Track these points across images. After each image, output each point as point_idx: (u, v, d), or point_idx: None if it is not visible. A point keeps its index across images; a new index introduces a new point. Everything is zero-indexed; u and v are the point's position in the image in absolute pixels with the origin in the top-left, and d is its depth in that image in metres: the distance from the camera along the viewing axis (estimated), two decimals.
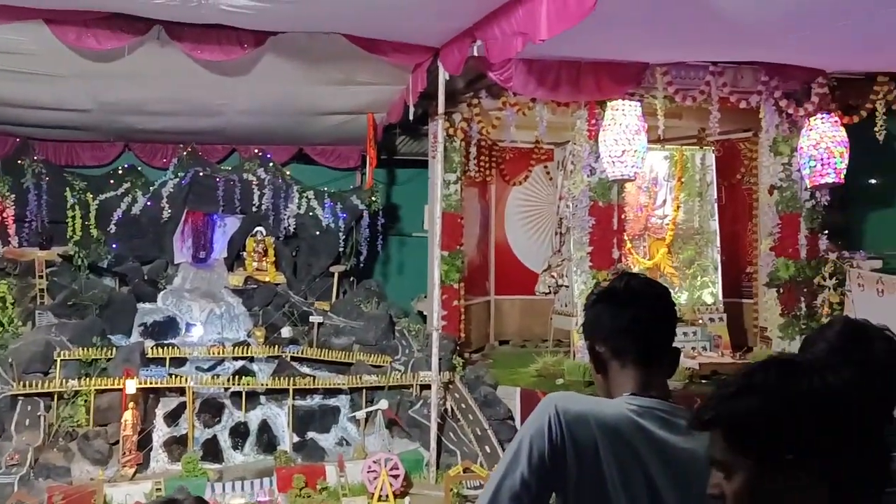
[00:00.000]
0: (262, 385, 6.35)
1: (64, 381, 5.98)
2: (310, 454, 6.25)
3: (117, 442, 5.79)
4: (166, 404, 6.24)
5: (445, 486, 5.51)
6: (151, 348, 6.39)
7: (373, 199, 8.14)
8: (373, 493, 5.52)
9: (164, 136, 8.25)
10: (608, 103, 6.45)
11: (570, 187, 7.14)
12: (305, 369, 6.64)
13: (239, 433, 6.24)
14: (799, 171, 6.79)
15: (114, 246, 7.39)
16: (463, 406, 6.49)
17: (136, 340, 6.62)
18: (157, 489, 5.44)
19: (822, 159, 6.50)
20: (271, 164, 7.92)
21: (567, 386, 6.34)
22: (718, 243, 7.91)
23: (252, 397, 6.36)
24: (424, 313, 7.94)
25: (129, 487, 5.50)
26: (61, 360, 6.13)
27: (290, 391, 6.30)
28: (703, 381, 6.55)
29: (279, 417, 6.37)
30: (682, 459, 1.64)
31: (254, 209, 7.69)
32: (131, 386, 5.79)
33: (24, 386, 5.85)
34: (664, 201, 7.87)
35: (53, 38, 5.44)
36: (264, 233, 7.67)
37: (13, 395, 5.87)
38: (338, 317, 7.25)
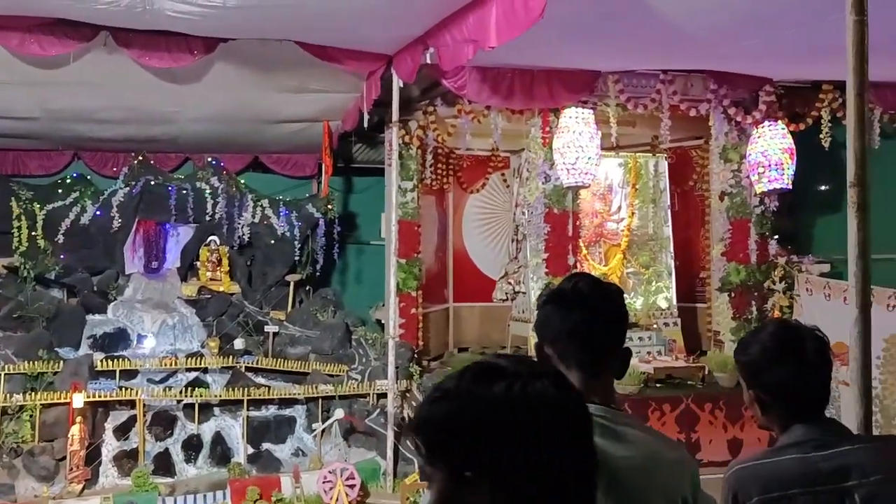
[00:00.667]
0: (216, 396, 6.25)
1: (8, 395, 5.81)
2: (265, 466, 6.17)
3: (64, 458, 5.64)
4: (116, 418, 6.11)
5: (402, 495, 5.47)
6: (101, 361, 6.25)
7: (329, 207, 8.10)
8: None
9: (115, 144, 8.11)
10: (561, 111, 6.51)
11: (525, 194, 7.19)
12: (261, 380, 6.56)
13: (192, 446, 6.13)
14: (748, 177, 6.92)
15: (62, 256, 7.22)
16: None
17: (84, 353, 6.47)
18: None
19: (769, 166, 6.64)
20: (225, 173, 7.83)
21: None
22: (672, 249, 8.03)
23: (205, 409, 6.26)
24: (382, 322, 7.90)
25: None
26: (6, 374, 5.96)
27: (245, 402, 6.21)
28: (658, 385, 6.63)
29: (233, 429, 6.27)
30: (622, 468, 1.62)
31: (207, 218, 7.59)
32: (78, 400, 5.65)
33: None
34: (619, 208, 7.97)
35: None
36: (218, 242, 7.58)
37: None
38: (293, 326, 7.18)
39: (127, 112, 7.19)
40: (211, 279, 7.46)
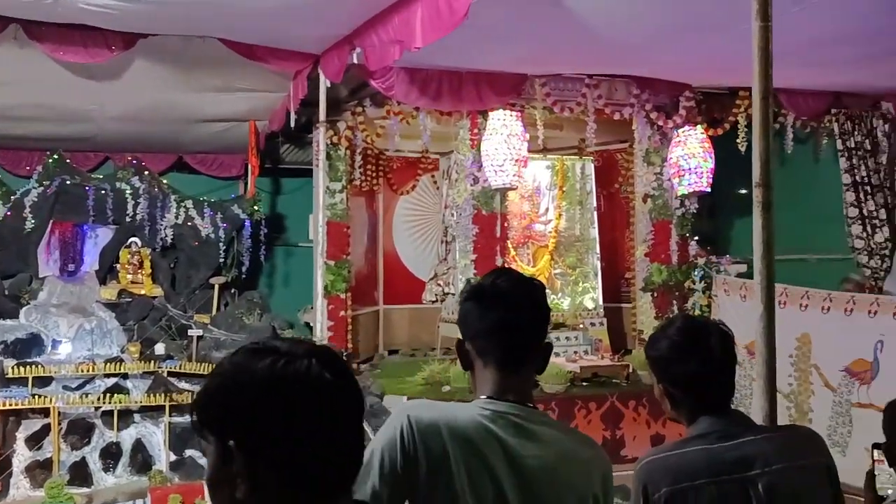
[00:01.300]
0: (136, 402, 6.05)
1: None
2: (188, 473, 5.99)
3: None
4: (28, 427, 5.85)
5: None
6: (12, 368, 5.97)
7: (255, 208, 7.95)
8: None
9: (29, 142, 7.79)
10: (489, 113, 6.57)
11: (454, 196, 7.22)
12: (184, 384, 6.38)
13: (110, 454, 5.91)
14: (669, 180, 7.12)
15: None
16: None
17: None
18: None
19: (689, 169, 6.85)
20: (147, 173, 7.60)
21: (453, 393, 6.37)
22: (598, 250, 8.19)
23: (125, 416, 6.06)
24: (311, 324, 7.81)
25: None
26: None
27: (167, 408, 6.03)
28: (584, 384, 6.74)
29: (155, 436, 6.09)
30: (533, 467, 1.64)
31: (128, 219, 7.35)
32: None
33: None
34: (546, 210, 8.08)
35: None
36: (140, 244, 7.35)
37: None
38: (218, 330, 7.02)
39: (41, 109, 6.91)
40: (132, 282, 7.23)
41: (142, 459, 5.95)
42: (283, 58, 5.81)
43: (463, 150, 6.94)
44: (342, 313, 7.37)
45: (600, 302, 8.06)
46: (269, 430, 1.04)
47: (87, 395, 6.03)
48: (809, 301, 6.58)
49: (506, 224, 7.21)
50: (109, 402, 5.93)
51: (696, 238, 7.42)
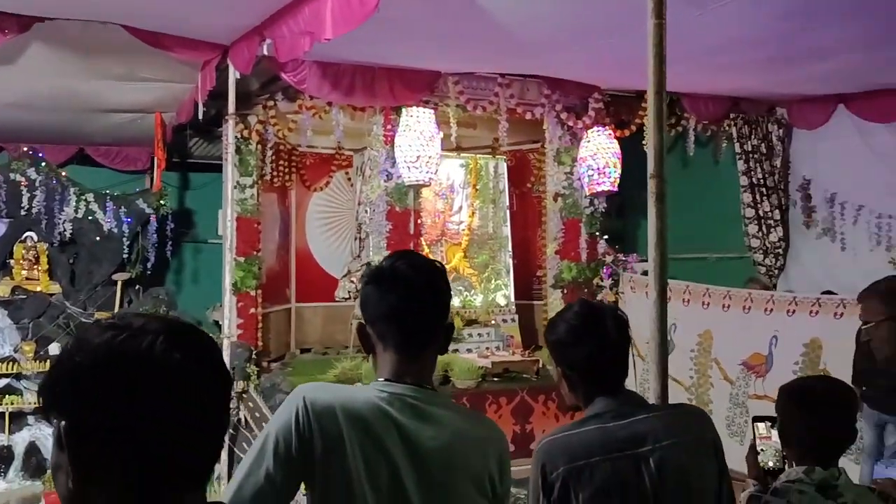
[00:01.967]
0: (30, 404, 5.78)
1: None
2: None
3: None
4: None
5: None
6: None
7: (161, 202, 7.70)
8: None
9: None
10: (403, 109, 6.57)
11: (367, 192, 7.19)
12: None
13: (2, 458, 5.66)
14: (579, 179, 7.29)
15: None
16: (257, 415, 6.29)
17: None
18: None
19: (598, 169, 7.03)
20: (44, 164, 7.26)
21: None
22: (511, 248, 8.31)
23: (18, 418, 5.80)
24: (220, 322, 7.61)
25: None
26: None
27: None
28: (496, 379, 6.83)
29: (49, 439, 5.81)
30: (428, 448, 1.64)
31: (23, 213, 7.00)
32: None
33: None
34: (460, 207, 8.15)
35: None
36: (36, 238, 7.01)
37: None
38: None
39: None
40: (27, 278, 6.88)
41: (36, 463, 5.70)
42: (190, 47, 5.64)
43: (376, 146, 6.92)
44: (252, 311, 7.22)
45: (512, 299, 8.19)
46: (97, 411, 0.95)
47: None
48: (710, 299, 6.88)
49: (419, 221, 7.23)
50: (1, 404, 5.64)
51: (605, 237, 7.64)
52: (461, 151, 8.01)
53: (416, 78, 6.39)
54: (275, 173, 7.67)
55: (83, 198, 7.29)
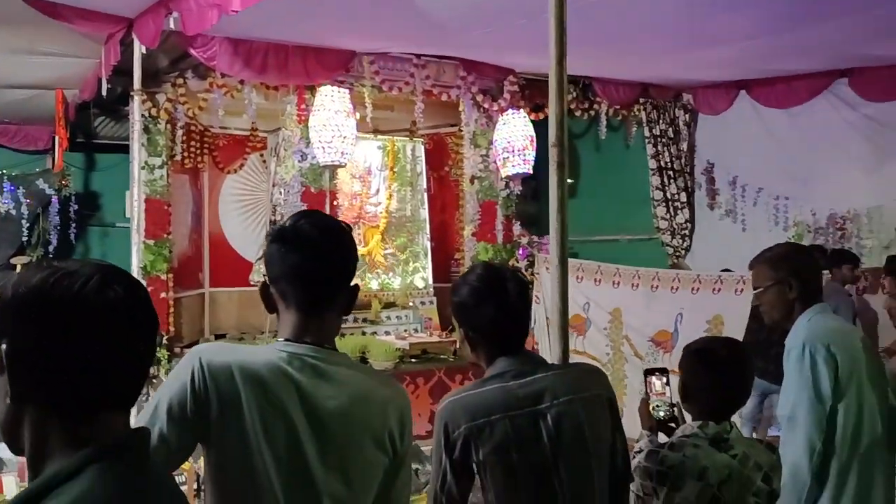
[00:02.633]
0: None
1: None
2: None
3: None
4: None
5: None
6: None
7: (64, 183, 7.39)
8: None
9: None
10: (318, 89, 6.49)
11: (282, 173, 7.08)
12: None
13: None
14: (495, 162, 7.38)
15: None
16: None
17: None
18: None
19: (513, 152, 7.12)
20: None
21: None
22: (429, 231, 8.34)
23: None
24: None
25: None
26: None
27: None
28: (413, 360, 6.86)
29: None
30: (328, 408, 1.64)
31: None
32: None
33: None
34: (377, 190, 8.12)
35: None
36: None
37: None
38: None
39: None
40: None
41: None
42: (92, 19, 5.40)
43: (290, 126, 6.82)
44: (163, 295, 7.01)
45: (430, 281, 8.23)
46: (35, 336, 1.07)
47: None
48: (621, 278, 7.09)
49: (335, 202, 7.18)
50: None
51: (521, 219, 7.76)
52: (378, 133, 7.98)
53: (330, 56, 6.32)
54: (186, 154, 7.46)
55: None
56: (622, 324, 6.99)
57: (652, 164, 7.99)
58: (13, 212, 7.01)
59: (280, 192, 7.21)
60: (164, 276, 7.02)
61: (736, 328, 5.82)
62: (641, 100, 7.86)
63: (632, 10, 5.15)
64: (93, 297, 1.08)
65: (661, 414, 2.36)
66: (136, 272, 5.89)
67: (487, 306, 2.08)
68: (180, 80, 6.76)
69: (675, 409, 2.43)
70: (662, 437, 2.39)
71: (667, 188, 7.95)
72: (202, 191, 8.44)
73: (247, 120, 7.45)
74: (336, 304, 1.75)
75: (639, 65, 7.02)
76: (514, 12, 5.24)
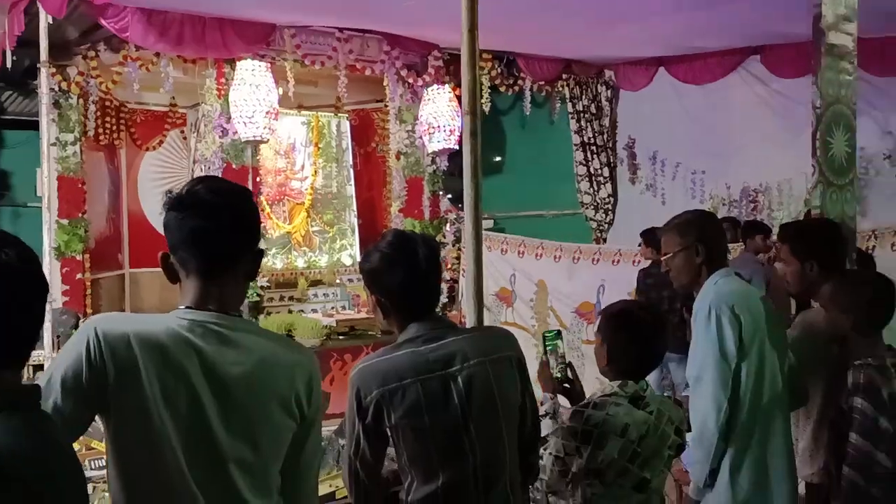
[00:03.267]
0: None
1: None
2: None
3: None
4: None
5: None
6: None
7: None
8: None
9: None
10: (238, 63, 6.33)
11: (202, 150, 6.90)
12: None
13: None
14: (420, 137, 7.37)
15: None
16: None
17: None
18: None
19: (439, 127, 7.12)
20: None
21: None
22: (356, 207, 8.29)
23: None
24: None
25: None
26: None
27: None
28: (341, 337, 6.84)
29: None
30: (232, 374, 1.61)
31: None
32: None
33: None
34: (302, 166, 8.01)
35: None
36: None
37: None
38: None
39: None
40: None
41: None
42: None
43: (210, 101, 6.65)
44: (79, 276, 6.79)
45: (358, 258, 8.18)
46: None
47: None
48: (544, 251, 7.22)
49: (258, 179, 7.05)
50: None
51: (449, 196, 7.78)
52: (303, 109, 7.86)
53: (249, 29, 6.18)
54: (101, 130, 7.22)
55: None
56: (547, 295, 7.12)
57: (575, 139, 8.13)
58: None
59: (201, 169, 7.03)
60: (79, 257, 6.79)
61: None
62: (564, 76, 7.96)
63: None
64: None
65: (558, 374, 2.45)
66: (48, 252, 5.66)
67: (398, 272, 2.08)
68: (92, 53, 6.50)
69: (569, 368, 2.52)
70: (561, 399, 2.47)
71: (590, 163, 8.10)
72: (119, 168, 8.18)
73: (165, 95, 7.23)
74: (238, 268, 1.71)
75: (561, 41, 7.10)
76: None
